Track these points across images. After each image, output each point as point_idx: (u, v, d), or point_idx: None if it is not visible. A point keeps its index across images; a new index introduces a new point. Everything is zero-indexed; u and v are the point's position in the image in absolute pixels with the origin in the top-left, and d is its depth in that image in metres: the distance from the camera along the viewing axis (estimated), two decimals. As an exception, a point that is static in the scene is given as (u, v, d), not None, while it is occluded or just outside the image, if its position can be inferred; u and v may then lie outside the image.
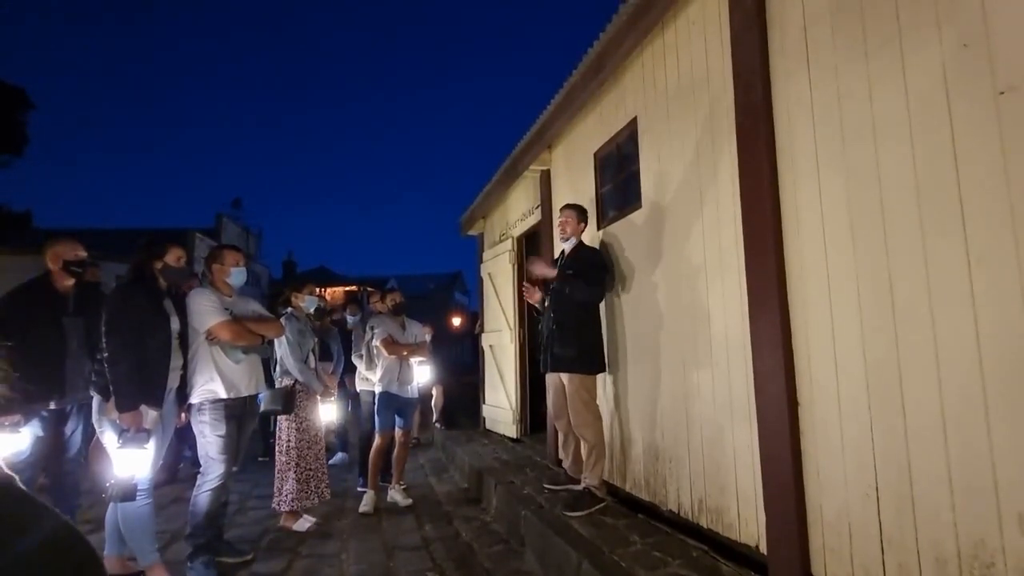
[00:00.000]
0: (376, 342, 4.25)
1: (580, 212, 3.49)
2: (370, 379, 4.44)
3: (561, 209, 3.56)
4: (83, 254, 3.07)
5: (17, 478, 0.51)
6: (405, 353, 4.21)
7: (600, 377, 3.56)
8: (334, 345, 5.00)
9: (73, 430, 3.13)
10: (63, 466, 3.11)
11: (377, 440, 4.16)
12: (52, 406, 2.97)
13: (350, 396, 5.42)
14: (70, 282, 3.04)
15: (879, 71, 1.77)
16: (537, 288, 3.53)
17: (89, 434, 3.23)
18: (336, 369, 4.89)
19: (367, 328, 4.48)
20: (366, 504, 4.04)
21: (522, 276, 5.68)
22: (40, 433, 2.96)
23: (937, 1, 1.60)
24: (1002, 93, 1.44)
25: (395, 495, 4.18)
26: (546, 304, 3.46)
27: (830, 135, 1.95)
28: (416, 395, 4.39)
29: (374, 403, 4.28)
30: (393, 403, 4.17)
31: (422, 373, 4.48)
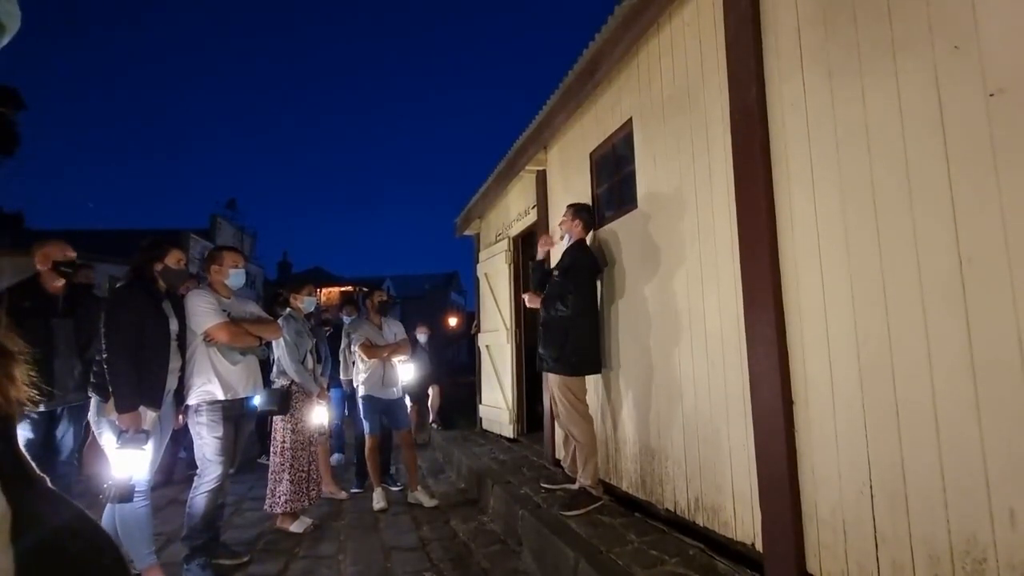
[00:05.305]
0: (355, 348, 4.26)
1: (575, 210, 3.49)
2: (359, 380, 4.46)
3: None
4: (72, 254, 3.04)
5: (47, 479, 0.51)
6: (386, 355, 4.22)
7: (595, 377, 3.57)
8: (321, 346, 5.00)
9: (64, 432, 3.11)
10: (56, 469, 3.09)
11: (368, 442, 4.20)
12: (40, 408, 2.95)
13: (346, 397, 5.40)
14: (59, 283, 3.02)
15: (872, 73, 1.79)
16: (537, 296, 3.57)
17: (82, 436, 3.22)
18: (324, 370, 4.90)
19: (344, 334, 4.50)
20: (379, 501, 4.09)
21: (519, 276, 5.70)
22: (29, 436, 2.95)
23: (929, 4, 1.62)
24: (992, 95, 1.46)
25: (420, 497, 4.17)
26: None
27: (824, 136, 1.97)
28: (401, 395, 4.38)
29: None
30: (377, 406, 4.19)
31: (406, 371, 4.48)
